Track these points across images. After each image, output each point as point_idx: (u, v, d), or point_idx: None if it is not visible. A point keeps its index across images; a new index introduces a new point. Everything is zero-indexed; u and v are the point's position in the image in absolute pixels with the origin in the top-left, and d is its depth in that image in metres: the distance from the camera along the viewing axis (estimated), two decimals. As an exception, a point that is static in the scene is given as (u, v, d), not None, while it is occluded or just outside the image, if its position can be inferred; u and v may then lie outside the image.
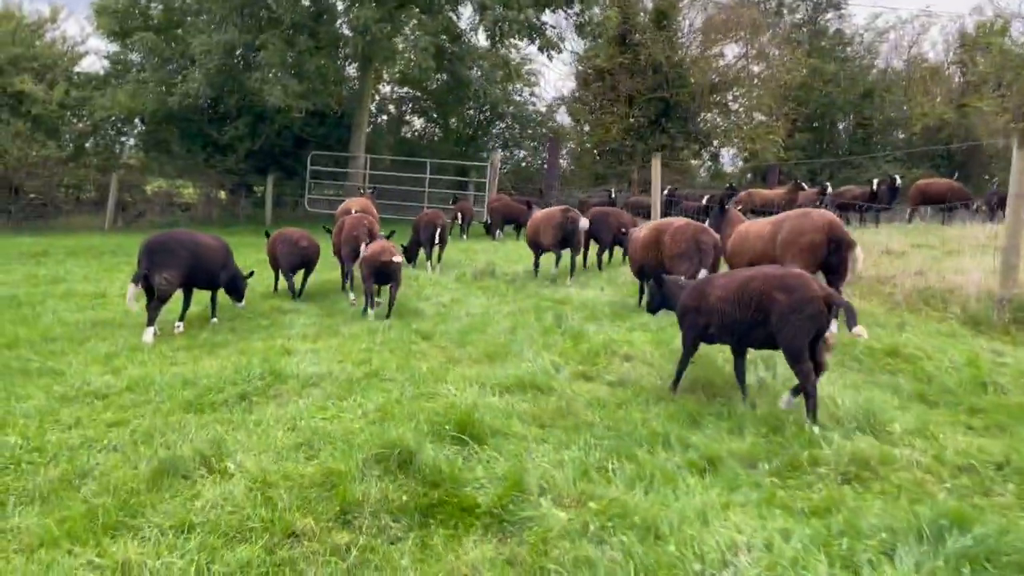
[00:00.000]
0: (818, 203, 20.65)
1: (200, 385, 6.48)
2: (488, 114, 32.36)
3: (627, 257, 11.47)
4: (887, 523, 3.67)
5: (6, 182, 26.06)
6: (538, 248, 12.39)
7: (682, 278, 6.52)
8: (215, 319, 9.33)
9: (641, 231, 9.82)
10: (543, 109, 33.73)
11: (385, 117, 33.48)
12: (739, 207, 20.57)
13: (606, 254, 13.76)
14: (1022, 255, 7.87)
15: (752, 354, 6.00)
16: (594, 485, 4.27)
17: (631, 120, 30.61)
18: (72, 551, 3.70)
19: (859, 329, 4.95)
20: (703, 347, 6.38)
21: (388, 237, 10.50)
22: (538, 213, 12.89)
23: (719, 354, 6.61)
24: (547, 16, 23.56)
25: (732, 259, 8.77)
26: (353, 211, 12.30)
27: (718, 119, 32.65)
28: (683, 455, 4.64)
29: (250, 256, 14.27)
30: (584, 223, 11.78)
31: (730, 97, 32.46)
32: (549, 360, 6.67)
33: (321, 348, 7.83)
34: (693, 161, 33.60)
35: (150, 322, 8.42)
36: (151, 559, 3.57)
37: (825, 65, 32.59)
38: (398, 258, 9.48)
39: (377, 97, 30.61)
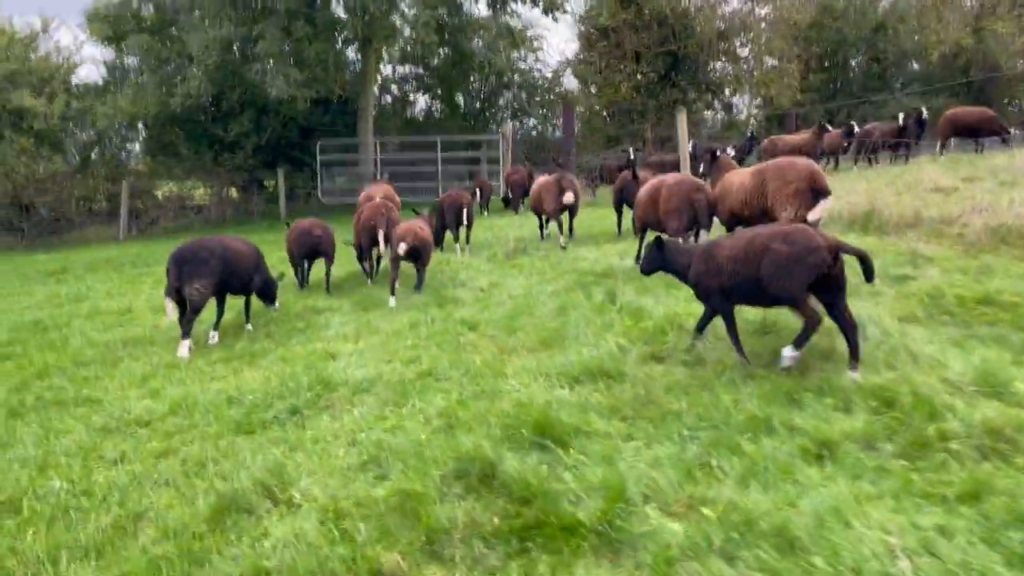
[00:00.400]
0: (846, 144, 20.04)
1: (246, 402, 6.10)
2: (494, 85, 31.67)
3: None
4: (1053, 506, 3.22)
5: (16, 200, 25.76)
6: (540, 214, 13.41)
7: (682, 241, 6.45)
8: (249, 326, 8.95)
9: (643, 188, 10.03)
10: (549, 75, 33.03)
11: (389, 99, 32.86)
12: (762, 155, 20.03)
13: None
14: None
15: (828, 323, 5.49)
16: (701, 486, 3.84)
17: (639, 77, 29.82)
18: (140, 617, 3.33)
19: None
20: (780, 316, 5.94)
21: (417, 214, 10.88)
22: (537, 182, 13.50)
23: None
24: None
25: (719, 206, 8.92)
26: (377, 199, 11.86)
27: (728, 67, 31.73)
28: (792, 441, 4.18)
29: (272, 254, 13.82)
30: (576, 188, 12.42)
31: (738, 43, 31.51)
32: (613, 342, 6.21)
33: (365, 348, 7.42)
34: (707, 113, 32.75)
35: (185, 335, 8.06)
36: (230, 621, 3.19)
37: (834, 1, 31.55)
38: (412, 243, 9.53)
39: (379, 79, 29.93)
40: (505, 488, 4.01)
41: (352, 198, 24.92)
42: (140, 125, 28.77)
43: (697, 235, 9.18)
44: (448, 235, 13.15)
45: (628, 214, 12.33)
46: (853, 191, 11.75)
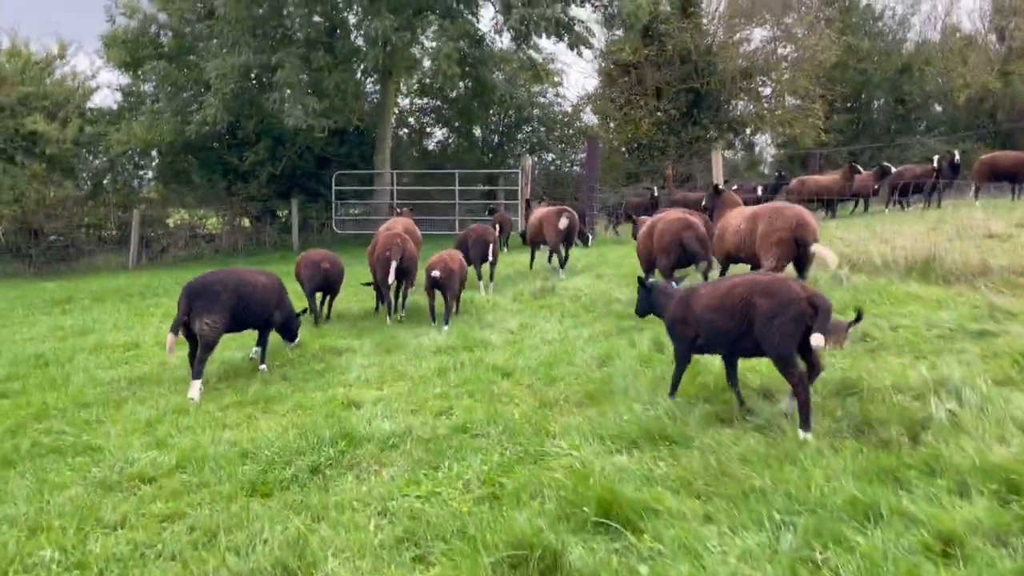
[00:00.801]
0: (876, 187, 19.51)
1: (262, 458, 5.49)
2: (513, 118, 31.33)
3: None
4: None
5: (26, 226, 25.33)
6: (536, 246, 14.58)
7: (673, 284, 6.61)
8: (264, 367, 8.35)
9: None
10: (568, 109, 32.69)
11: (405, 131, 32.53)
12: (789, 196, 19.51)
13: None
14: None
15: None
16: (811, 590, 3.21)
17: (660, 114, 29.46)
18: None
19: (817, 338, 4.78)
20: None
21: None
22: (536, 213, 14.20)
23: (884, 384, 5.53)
24: (574, 10, 22.45)
25: (716, 244, 9.12)
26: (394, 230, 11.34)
27: (750, 106, 31.35)
28: (908, 533, 3.55)
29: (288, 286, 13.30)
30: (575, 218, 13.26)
31: (760, 82, 31.16)
32: (668, 400, 5.59)
33: (390, 396, 6.82)
34: (726, 153, 32.29)
35: (196, 375, 7.46)
36: None
37: (859, 42, 31.24)
38: (436, 273, 9.57)
39: (396, 111, 29.65)
40: (573, 585, 3.39)
41: (367, 230, 24.52)
42: (154, 152, 28.43)
43: (706, 271, 9.34)
44: (470, 272, 12.58)
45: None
46: (901, 235, 11.16)
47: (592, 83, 43.07)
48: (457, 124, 32.14)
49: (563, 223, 12.87)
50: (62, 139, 26.04)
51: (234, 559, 4.00)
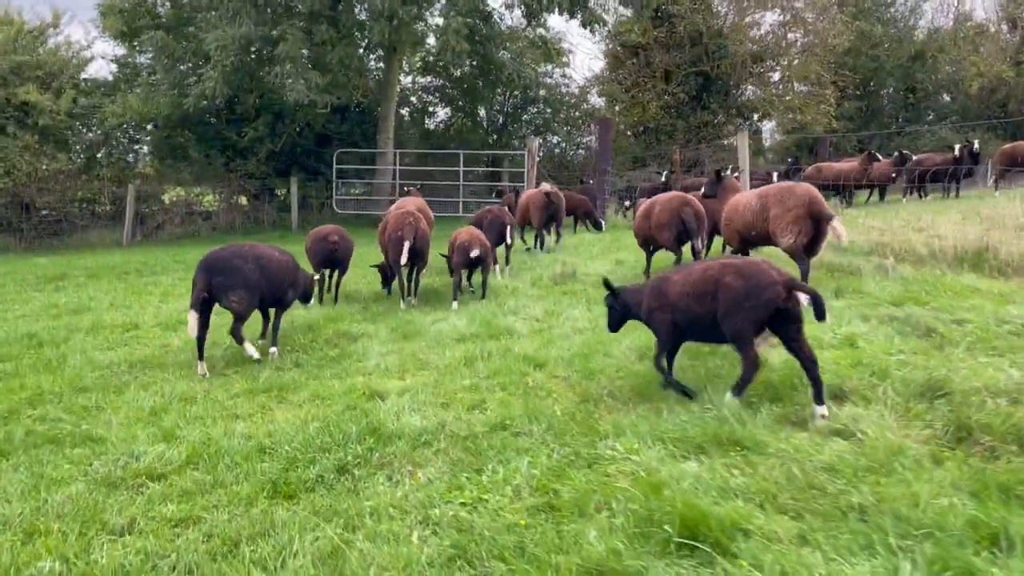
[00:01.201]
0: (894, 175, 19.03)
1: (282, 454, 4.99)
2: (519, 99, 30.66)
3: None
4: None
5: (17, 199, 24.61)
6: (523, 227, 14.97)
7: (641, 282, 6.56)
8: (275, 349, 7.82)
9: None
10: (576, 91, 32.03)
11: (407, 110, 31.80)
12: (806, 182, 19.01)
13: None
14: None
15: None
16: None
17: (667, 97, 28.82)
18: None
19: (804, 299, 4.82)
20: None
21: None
22: (523, 196, 14.82)
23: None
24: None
25: (725, 228, 9.14)
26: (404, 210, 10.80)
27: (760, 91, 30.74)
28: (1045, 563, 3.08)
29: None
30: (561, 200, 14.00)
31: (769, 66, 30.56)
32: (732, 399, 5.10)
33: (415, 387, 6.31)
34: (731, 139, 31.65)
35: (239, 341, 7.33)
36: None
37: (871, 27, 30.63)
38: (477, 252, 9.60)
39: (399, 88, 28.94)
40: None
41: (368, 210, 23.94)
42: (150, 126, 27.67)
43: (705, 249, 9.95)
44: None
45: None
46: (937, 224, 10.70)
47: (598, 65, 42.31)
48: (461, 103, 31.45)
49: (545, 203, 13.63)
50: (55, 110, 25.29)
51: (261, 575, 3.52)
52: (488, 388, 6.12)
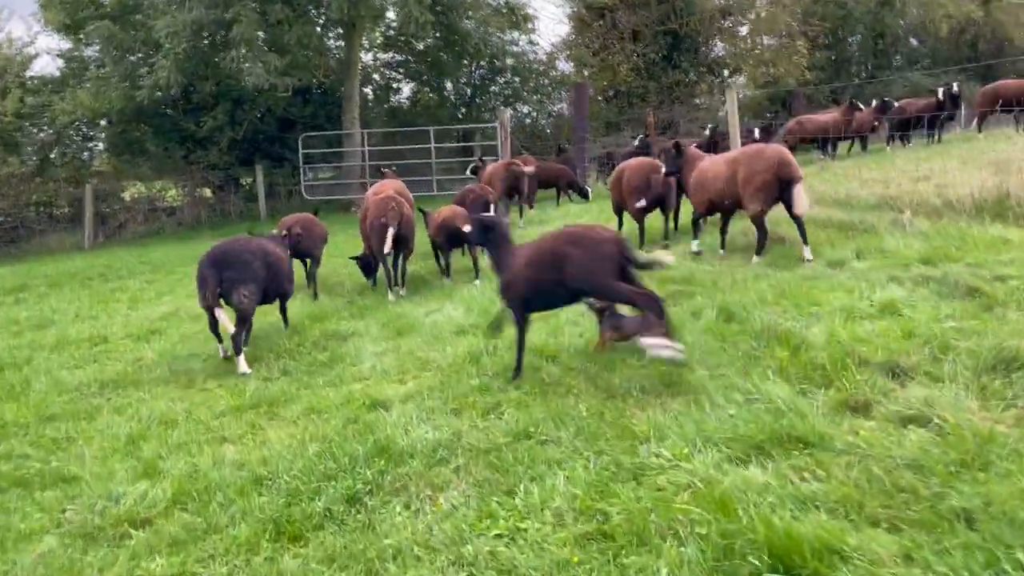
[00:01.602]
0: (875, 123, 18.63)
1: (281, 485, 4.42)
2: (486, 69, 29.82)
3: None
4: None
5: (-32, 208, 23.54)
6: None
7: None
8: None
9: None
10: (544, 58, 31.22)
11: (371, 88, 30.81)
12: (788, 137, 18.55)
13: None
14: None
15: None
16: None
17: (637, 58, 28.12)
18: None
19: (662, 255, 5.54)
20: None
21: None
22: (487, 168, 14.64)
23: None
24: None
25: (693, 197, 9.05)
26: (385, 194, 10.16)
27: (730, 47, 30.11)
28: None
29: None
30: (529, 170, 13.85)
31: (737, 20, 29.94)
32: (780, 387, 4.58)
33: (419, 391, 5.74)
34: (702, 99, 30.97)
35: (238, 351, 6.95)
36: None
37: (838, -27, 30.09)
38: (467, 227, 8.79)
39: (360, 67, 27.98)
40: None
41: (338, 195, 23.16)
42: (103, 121, 26.51)
43: (674, 219, 10.56)
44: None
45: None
46: (939, 172, 10.27)
47: (563, 29, 41.39)
48: (427, 78, 30.52)
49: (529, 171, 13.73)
50: (2, 112, 24.14)
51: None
52: (500, 388, 5.56)
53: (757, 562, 2.94)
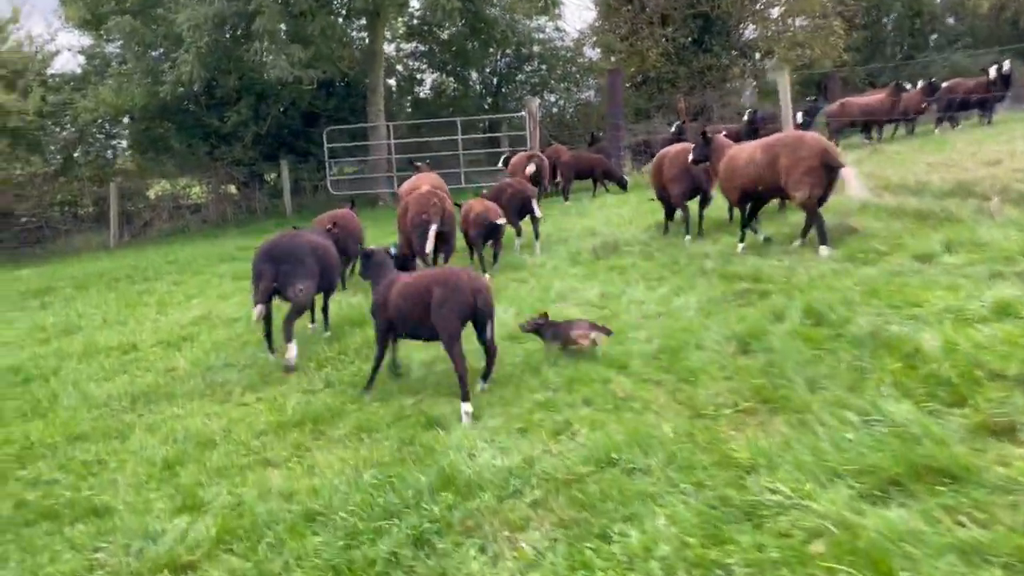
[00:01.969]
0: (924, 105, 17.87)
1: (337, 522, 3.93)
2: (512, 58, 29.14)
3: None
4: None
5: (-7, 208, 23.31)
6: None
7: (392, 249, 6.62)
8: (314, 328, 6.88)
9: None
10: (571, 44, 30.47)
11: (395, 79, 30.25)
12: (831, 120, 17.84)
13: None
14: None
15: None
16: None
17: (667, 43, 27.31)
18: None
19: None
20: None
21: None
22: (514, 158, 14.60)
23: None
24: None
25: (724, 185, 8.86)
26: (424, 189, 9.66)
27: (763, 29, 29.20)
28: None
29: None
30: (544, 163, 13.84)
31: (769, 1, 29.03)
32: (905, 406, 4.01)
33: (478, 406, 5.23)
34: (737, 83, 30.08)
35: (288, 338, 6.86)
36: None
37: (875, -49, 29.14)
38: (501, 220, 9.42)
39: (383, 58, 27.49)
40: None
41: (365, 189, 22.66)
42: (126, 119, 26.17)
43: (703, 203, 9.90)
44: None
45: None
46: (1009, 156, 9.59)
47: (590, 15, 40.49)
48: (452, 67, 29.90)
49: (530, 169, 13.19)
50: (24, 110, 23.86)
51: None
52: (569, 404, 5.04)
53: (942, 643, 2.39)
